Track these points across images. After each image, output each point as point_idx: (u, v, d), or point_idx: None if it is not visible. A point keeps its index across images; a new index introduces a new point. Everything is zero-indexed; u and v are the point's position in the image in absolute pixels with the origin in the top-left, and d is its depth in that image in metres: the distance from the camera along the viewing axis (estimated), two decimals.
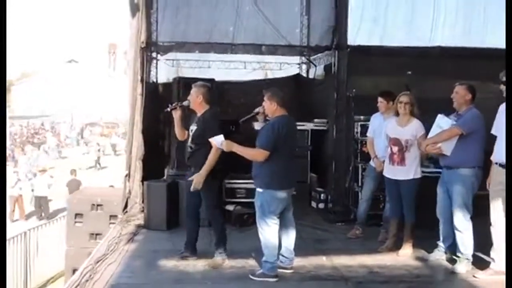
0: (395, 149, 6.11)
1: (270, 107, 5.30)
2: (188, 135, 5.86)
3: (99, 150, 31.97)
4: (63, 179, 19.69)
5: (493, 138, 5.32)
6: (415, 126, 6.02)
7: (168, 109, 5.91)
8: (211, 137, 5.46)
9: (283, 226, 5.41)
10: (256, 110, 5.59)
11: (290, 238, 5.47)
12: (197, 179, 5.51)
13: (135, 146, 8.41)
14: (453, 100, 5.66)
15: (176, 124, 5.94)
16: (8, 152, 32.95)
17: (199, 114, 5.80)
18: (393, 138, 6.14)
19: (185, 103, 5.88)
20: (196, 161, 5.69)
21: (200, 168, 5.56)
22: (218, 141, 5.41)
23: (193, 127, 5.78)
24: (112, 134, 41.06)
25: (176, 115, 5.89)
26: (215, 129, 5.54)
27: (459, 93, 5.62)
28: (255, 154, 5.25)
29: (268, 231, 5.25)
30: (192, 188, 5.54)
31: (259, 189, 5.28)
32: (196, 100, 5.78)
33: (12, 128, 43.83)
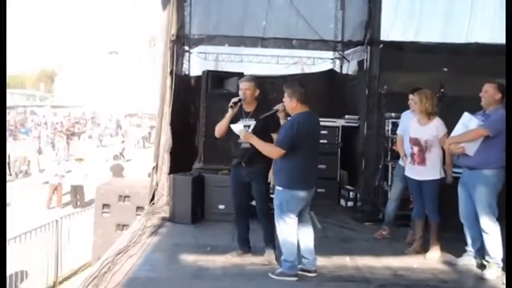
0: (415, 149, 5.96)
1: (290, 104, 5.16)
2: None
3: (123, 142, 31.87)
4: (101, 168, 20.02)
5: None
6: (435, 125, 5.85)
7: (232, 104, 5.63)
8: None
9: (300, 225, 5.27)
10: (276, 107, 5.47)
11: (308, 237, 5.32)
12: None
13: (163, 138, 8.43)
14: (482, 99, 5.49)
15: (227, 121, 5.66)
16: (49, 140, 33.75)
17: (249, 109, 5.67)
18: (413, 138, 5.98)
19: (240, 97, 5.67)
20: (252, 158, 5.54)
21: (256, 166, 5.50)
22: (237, 129, 5.34)
23: (246, 123, 5.59)
24: (144, 125, 41.48)
25: (234, 111, 5.66)
26: (278, 123, 5.47)
27: (488, 92, 5.44)
28: (271, 151, 5.16)
29: (286, 229, 5.14)
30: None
31: (278, 188, 5.17)
32: (253, 94, 5.66)
33: (54, 117, 44.83)
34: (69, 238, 11.36)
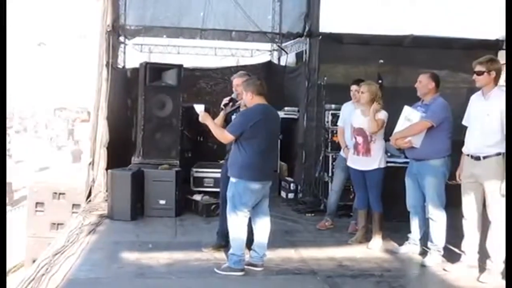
0: (360, 139, 6.00)
1: (246, 98, 5.15)
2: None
3: (9, 142, 29.44)
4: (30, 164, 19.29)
5: (463, 128, 5.23)
6: (380, 116, 5.90)
7: (222, 107, 5.57)
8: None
9: (257, 218, 5.23)
10: (238, 103, 5.50)
11: (263, 231, 5.26)
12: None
13: (99, 133, 8.15)
14: (417, 89, 5.61)
15: (220, 121, 5.54)
16: None
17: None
18: (357, 128, 6.03)
19: (233, 95, 5.63)
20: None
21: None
22: (198, 110, 5.29)
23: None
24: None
25: (226, 111, 5.58)
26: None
27: (422, 82, 5.56)
28: (220, 135, 5.14)
29: (238, 223, 5.07)
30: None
31: (232, 179, 5.10)
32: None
33: None
34: None
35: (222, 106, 5.61)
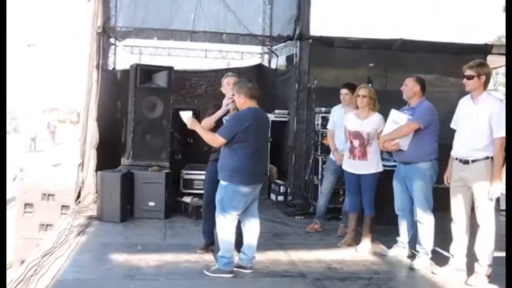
0: (356, 143, 5.99)
1: (239, 101, 5.14)
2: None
3: None
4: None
5: (452, 132, 5.26)
6: (376, 120, 5.94)
7: (228, 108, 5.52)
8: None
9: (246, 220, 5.24)
10: (227, 107, 5.49)
11: (252, 234, 5.27)
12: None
13: (89, 134, 8.14)
14: (403, 92, 5.65)
15: (209, 125, 5.52)
16: None
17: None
18: (353, 132, 6.01)
19: (230, 106, 5.59)
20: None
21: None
22: (185, 117, 5.26)
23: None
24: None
25: (230, 109, 5.55)
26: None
27: (408, 85, 5.62)
28: (211, 139, 5.14)
29: (226, 226, 5.07)
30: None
31: (222, 182, 5.09)
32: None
33: None
34: None
35: (227, 107, 5.53)
